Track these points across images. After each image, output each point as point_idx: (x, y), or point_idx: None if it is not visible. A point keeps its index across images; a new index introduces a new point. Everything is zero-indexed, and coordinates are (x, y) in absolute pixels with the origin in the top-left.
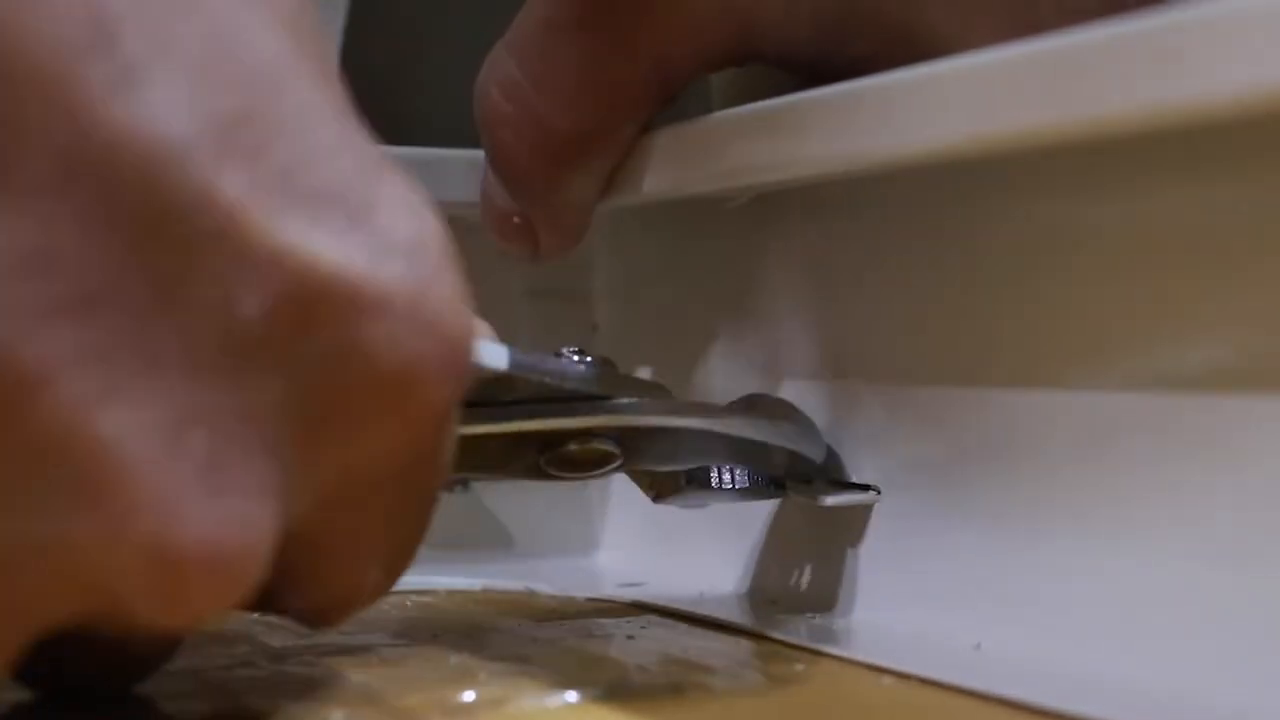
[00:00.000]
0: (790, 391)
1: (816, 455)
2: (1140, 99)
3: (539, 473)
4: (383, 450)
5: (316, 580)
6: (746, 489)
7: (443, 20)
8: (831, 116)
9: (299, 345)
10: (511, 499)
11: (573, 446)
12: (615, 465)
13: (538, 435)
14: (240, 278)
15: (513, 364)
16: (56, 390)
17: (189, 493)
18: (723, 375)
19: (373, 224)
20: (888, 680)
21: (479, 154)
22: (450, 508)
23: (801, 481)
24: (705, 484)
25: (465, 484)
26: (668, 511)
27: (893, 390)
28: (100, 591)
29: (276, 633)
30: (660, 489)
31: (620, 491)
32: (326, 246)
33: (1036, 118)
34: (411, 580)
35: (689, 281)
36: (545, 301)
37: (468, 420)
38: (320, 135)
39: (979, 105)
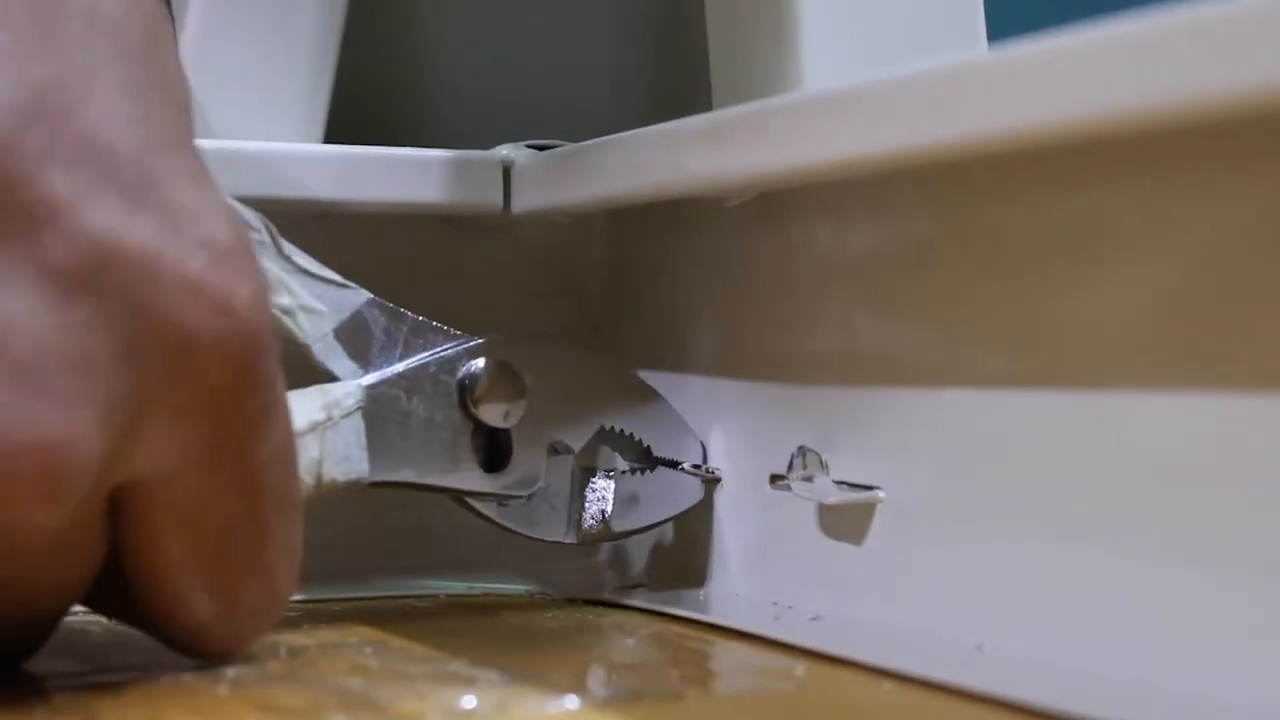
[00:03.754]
0: (793, 391)
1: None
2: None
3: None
4: (178, 408)
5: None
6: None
7: (443, 20)
8: (833, 116)
9: (100, 290)
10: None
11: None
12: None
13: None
14: (51, 236)
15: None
16: None
17: (6, 393)
18: (724, 377)
19: (177, 218)
20: (889, 682)
21: (477, 154)
22: (450, 510)
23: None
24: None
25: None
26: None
27: (895, 390)
28: None
29: (285, 634)
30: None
31: None
32: (130, 227)
33: (1038, 116)
34: (412, 585)
35: (689, 281)
36: (545, 302)
37: None
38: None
39: (978, 104)
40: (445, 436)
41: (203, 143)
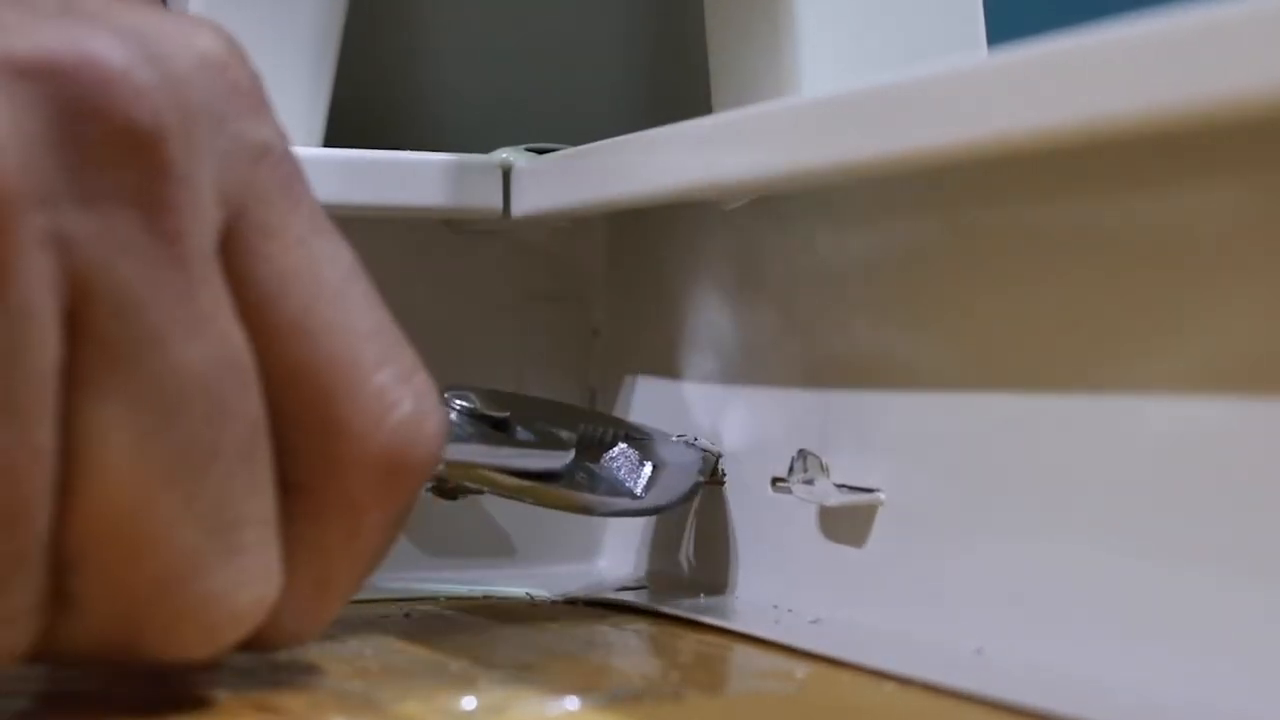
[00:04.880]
0: (792, 394)
1: None
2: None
3: None
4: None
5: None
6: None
7: (442, 24)
8: (832, 119)
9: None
10: (512, 504)
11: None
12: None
13: None
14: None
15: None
16: None
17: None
18: (724, 380)
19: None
20: (889, 685)
21: (476, 158)
22: (450, 514)
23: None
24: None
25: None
26: (669, 516)
27: (896, 392)
28: None
29: None
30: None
31: None
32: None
33: (1037, 120)
34: (411, 587)
35: (688, 285)
36: (544, 306)
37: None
38: None
39: (978, 108)
40: (470, 424)
41: None
